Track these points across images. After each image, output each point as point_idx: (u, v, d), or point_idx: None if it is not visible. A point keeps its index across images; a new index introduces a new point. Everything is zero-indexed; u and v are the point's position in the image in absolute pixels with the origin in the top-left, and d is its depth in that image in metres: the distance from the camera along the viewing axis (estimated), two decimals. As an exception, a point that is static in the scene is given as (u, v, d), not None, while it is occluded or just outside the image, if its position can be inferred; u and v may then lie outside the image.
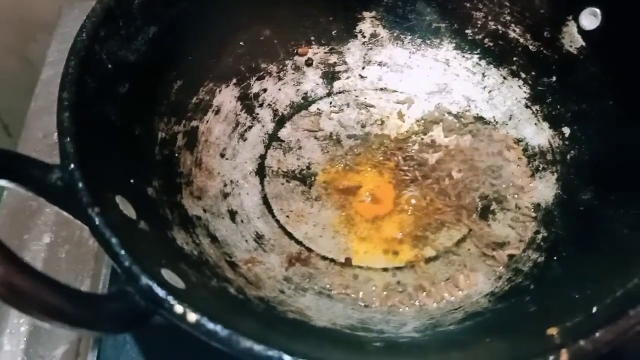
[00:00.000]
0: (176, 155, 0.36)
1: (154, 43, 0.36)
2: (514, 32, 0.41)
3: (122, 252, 0.25)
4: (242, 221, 0.36)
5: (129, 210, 0.29)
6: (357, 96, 0.42)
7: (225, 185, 0.37)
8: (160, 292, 0.24)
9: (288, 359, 0.22)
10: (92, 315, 0.23)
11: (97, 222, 0.26)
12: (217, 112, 0.40)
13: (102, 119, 0.32)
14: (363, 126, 0.41)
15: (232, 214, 0.36)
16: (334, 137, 0.40)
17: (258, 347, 0.23)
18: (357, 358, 0.24)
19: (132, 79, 0.34)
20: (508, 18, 0.41)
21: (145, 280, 0.24)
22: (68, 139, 0.28)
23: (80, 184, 0.27)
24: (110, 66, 0.33)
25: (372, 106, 0.42)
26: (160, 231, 0.31)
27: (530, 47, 0.40)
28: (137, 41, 0.35)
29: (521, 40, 0.41)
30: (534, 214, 0.36)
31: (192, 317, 0.23)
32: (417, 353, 0.28)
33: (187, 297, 0.24)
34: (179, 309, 0.23)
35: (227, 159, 0.38)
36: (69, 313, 0.22)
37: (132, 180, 0.32)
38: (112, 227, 0.25)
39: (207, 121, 0.39)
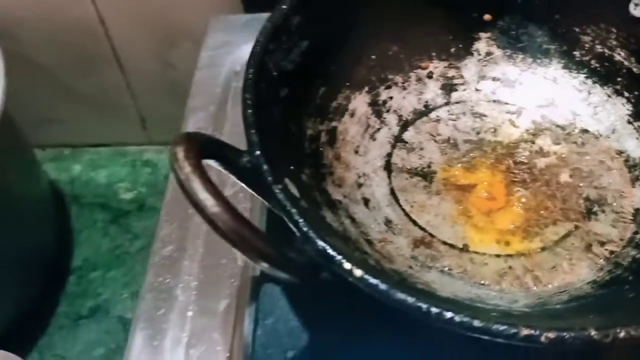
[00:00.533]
0: (320, 149, 0.43)
1: (306, 55, 0.43)
2: (619, 55, 0.46)
3: (301, 220, 0.32)
4: (374, 207, 0.42)
5: (294, 191, 0.36)
6: (472, 106, 0.48)
7: (359, 177, 0.44)
8: (332, 252, 0.30)
9: (434, 310, 0.29)
10: (288, 261, 0.30)
11: (280, 197, 0.33)
12: (352, 115, 0.46)
13: (271, 117, 0.39)
14: (478, 133, 0.46)
15: (366, 201, 0.42)
16: (452, 141, 0.46)
17: (411, 299, 0.29)
18: (487, 317, 0.30)
19: (289, 85, 0.41)
20: (614, 43, 0.46)
21: (320, 243, 0.31)
22: (253, 131, 0.35)
23: (265, 167, 0.34)
24: (275, 74, 0.41)
25: (485, 116, 0.47)
26: (315, 209, 0.38)
27: (634, 69, 0.45)
28: (294, 53, 0.43)
29: (626, 63, 0.45)
30: (633, 217, 0.40)
31: (358, 272, 0.30)
32: (534, 320, 0.34)
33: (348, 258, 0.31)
34: (347, 265, 0.30)
35: (360, 155, 0.45)
36: (274, 258, 0.29)
37: (291, 167, 0.39)
38: (291, 200, 0.33)
39: (344, 122, 0.46)
